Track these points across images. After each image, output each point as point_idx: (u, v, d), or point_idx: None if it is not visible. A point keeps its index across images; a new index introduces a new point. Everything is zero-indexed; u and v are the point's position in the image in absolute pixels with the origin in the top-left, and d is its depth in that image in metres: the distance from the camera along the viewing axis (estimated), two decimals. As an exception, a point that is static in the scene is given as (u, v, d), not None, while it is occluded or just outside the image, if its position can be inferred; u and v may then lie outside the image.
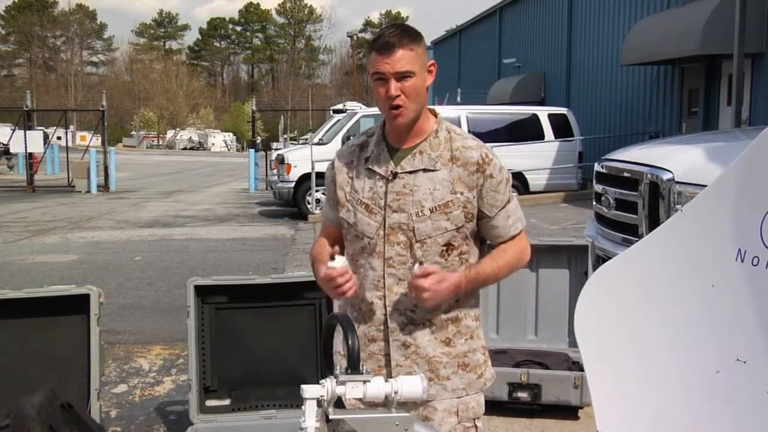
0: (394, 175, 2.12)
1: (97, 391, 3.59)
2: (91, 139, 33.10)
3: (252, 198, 19.47)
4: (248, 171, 22.29)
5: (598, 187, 5.22)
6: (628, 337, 1.80)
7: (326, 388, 1.51)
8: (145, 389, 4.97)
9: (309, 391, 1.50)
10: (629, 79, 17.33)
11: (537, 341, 4.77)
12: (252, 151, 23.49)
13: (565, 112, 15.35)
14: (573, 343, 4.48)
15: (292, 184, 14.20)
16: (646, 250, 1.85)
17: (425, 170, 2.11)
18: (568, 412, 4.35)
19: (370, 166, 2.17)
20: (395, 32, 2.05)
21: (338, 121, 15.66)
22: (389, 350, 2.15)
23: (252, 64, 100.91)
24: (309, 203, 14.01)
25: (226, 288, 3.85)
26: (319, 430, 1.49)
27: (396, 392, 1.56)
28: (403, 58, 2.03)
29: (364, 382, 1.54)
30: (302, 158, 14.00)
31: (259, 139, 31.90)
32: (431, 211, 2.09)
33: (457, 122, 13.53)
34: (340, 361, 1.84)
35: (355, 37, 50.74)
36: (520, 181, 14.31)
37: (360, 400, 1.57)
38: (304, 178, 13.93)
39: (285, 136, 31.62)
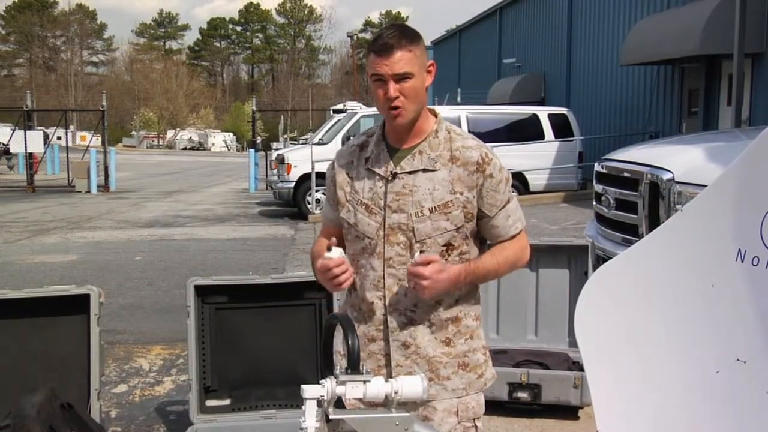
0: (394, 175, 2.12)
1: (97, 391, 3.59)
2: (91, 139, 33.10)
3: (252, 198, 19.47)
4: (248, 171, 22.29)
5: (598, 187, 5.22)
6: (628, 337, 1.80)
7: (326, 388, 1.51)
8: (145, 389, 4.97)
9: (309, 391, 1.50)
10: (629, 79, 17.33)
11: (537, 341, 4.77)
12: (252, 151, 23.49)
13: (565, 112, 15.35)
14: (573, 343, 4.48)
15: (292, 184, 14.20)
16: (646, 250, 1.85)
17: (425, 170, 2.11)
18: (568, 412, 4.35)
19: (369, 167, 2.17)
20: (393, 33, 2.04)
21: (338, 121, 15.66)
22: (389, 350, 2.15)
23: (252, 64, 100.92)
24: (309, 203, 14.01)
25: (226, 288, 3.85)
26: (319, 430, 1.49)
27: (396, 392, 1.56)
28: (401, 60, 2.02)
29: (364, 382, 1.54)
30: (302, 158, 14.00)
31: (259, 139, 31.90)
32: (431, 212, 2.09)
33: (457, 122, 13.53)
34: (340, 361, 1.84)
35: (355, 37, 50.80)
36: (520, 181, 14.31)
37: (360, 400, 1.56)
38: (304, 178, 13.93)
39: (285, 136, 31.63)
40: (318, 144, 14.63)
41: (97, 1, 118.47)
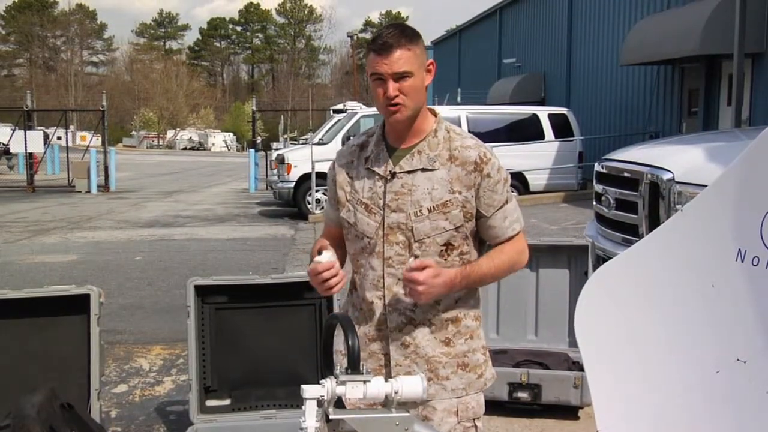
0: (393, 174, 2.12)
1: (97, 391, 3.59)
2: (91, 139, 33.10)
3: (252, 198, 19.47)
4: (248, 171, 22.29)
5: (598, 187, 5.22)
6: (628, 337, 1.80)
7: (326, 388, 1.51)
8: (145, 389, 4.97)
9: (309, 391, 1.50)
10: (629, 79, 17.33)
11: (537, 341, 4.77)
12: (252, 151, 23.49)
13: (565, 112, 15.35)
14: (573, 343, 4.48)
15: (292, 184, 14.20)
16: (646, 250, 1.85)
17: (423, 170, 2.11)
18: (568, 412, 4.35)
19: (369, 166, 2.18)
20: (393, 32, 2.04)
21: (338, 121, 15.67)
22: (389, 350, 2.15)
23: (252, 64, 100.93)
24: (309, 203, 14.01)
25: (226, 288, 3.85)
26: (319, 430, 1.49)
27: (396, 392, 1.56)
28: (401, 59, 2.02)
29: (365, 382, 1.54)
30: (302, 158, 14.00)
31: (259, 139, 31.91)
32: (429, 211, 2.09)
33: (457, 122, 13.53)
34: (341, 361, 1.84)
35: (355, 37, 50.80)
36: (520, 181, 14.31)
37: (360, 400, 1.56)
38: (304, 178, 13.93)
39: (285, 136, 31.65)
40: (318, 144, 14.63)
41: (97, 1, 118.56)
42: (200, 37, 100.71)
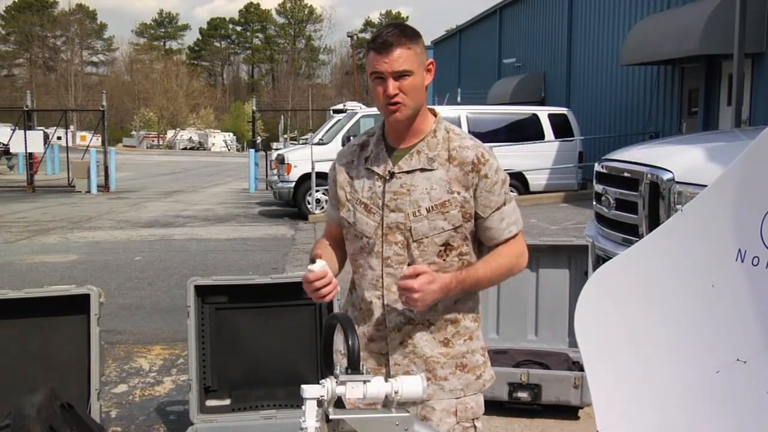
0: (392, 174, 2.12)
1: (97, 391, 3.59)
2: (91, 139, 33.12)
3: (252, 198, 19.47)
4: (248, 171, 22.29)
5: (598, 187, 5.22)
6: (628, 337, 1.80)
7: (326, 388, 1.51)
8: (145, 389, 4.97)
9: (309, 391, 1.50)
10: (629, 79, 17.33)
11: (537, 341, 4.77)
12: (252, 151, 23.49)
13: (565, 112, 15.35)
14: (573, 343, 4.48)
15: (292, 184, 14.20)
16: (646, 250, 1.85)
17: (422, 170, 2.11)
18: (568, 412, 4.35)
19: (369, 166, 2.18)
20: (393, 31, 2.05)
21: (338, 121, 15.66)
22: (388, 349, 2.15)
23: (252, 64, 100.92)
24: (309, 203, 14.01)
25: (226, 288, 3.85)
26: (319, 430, 1.49)
27: (396, 392, 1.56)
28: (401, 57, 2.02)
29: (365, 382, 1.54)
30: (302, 158, 14.00)
31: (259, 139, 31.88)
32: (428, 211, 2.09)
33: (457, 122, 13.53)
34: (341, 361, 1.84)
35: (355, 37, 50.82)
36: (520, 181, 14.31)
37: (360, 400, 1.56)
38: (304, 178, 13.93)
39: (285, 136, 31.64)
40: (318, 144, 14.63)
41: (97, 1, 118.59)
42: (200, 37, 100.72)
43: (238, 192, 21.76)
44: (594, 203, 5.32)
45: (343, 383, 1.53)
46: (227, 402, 3.80)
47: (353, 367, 1.54)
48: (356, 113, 15.53)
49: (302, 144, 19.71)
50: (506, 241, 2.14)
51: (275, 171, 15.87)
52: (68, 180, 21.75)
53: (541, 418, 4.32)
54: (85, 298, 3.61)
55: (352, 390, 1.53)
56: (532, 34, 24.60)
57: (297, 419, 1.51)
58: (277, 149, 21.08)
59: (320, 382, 1.53)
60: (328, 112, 23.50)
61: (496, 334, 4.79)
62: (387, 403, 1.57)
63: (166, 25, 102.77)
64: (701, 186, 3.33)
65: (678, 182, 4.22)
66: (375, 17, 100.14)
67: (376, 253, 2.13)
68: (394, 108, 2.06)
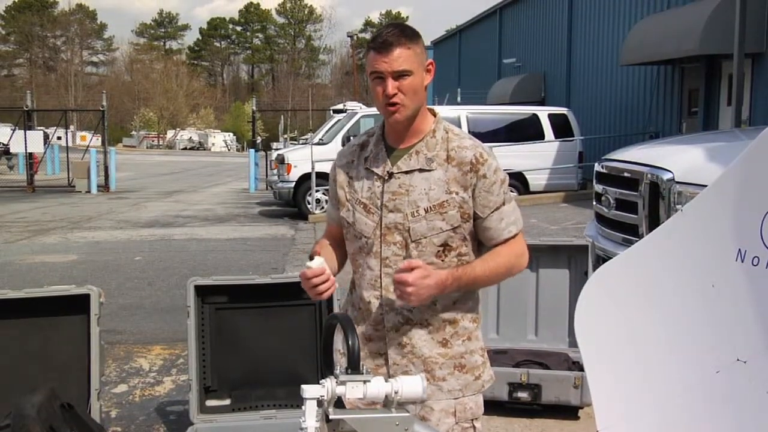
0: (390, 174, 2.12)
1: (97, 391, 3.59)
2: (91, 139, 33.11)
3: (252, 198, 19.47)
4: (248, 171, 22.29)
5: (598, 187, 5.22)
6: (628, 337, 1.80)
7: (326, 388, 1.51)
8: (145, 389, 4.97)
9: (309, 391, 1.50)
10: (629, 79, 17.33)
11: (537, 341, 4.77)
12: (252, 151, 23.49)
13: (565, 112, 15.35)
14: (573, 343, 4.48)
15: (292, 184, 14.20)
16: (646, 250, 1.85)
17: (421, 170, 2.10)
18: (568, 412, 4.35)
19: (368, 166, 2.18)
20: (393, 31, 2.05)
21: (338, 121, 15.66)
22: (387, 349, 2.15)
23: (252, 64, 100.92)
24: (309, 203, 14.01)
25: (226, 288, 3.85)
26: (319, 430, 1.49)
27: (396, 392, 1.56)
28: (400, 57, 2.02)
29: (365, 382, 1.54)
30: (302, 158, 14.00)
31: (259, 139, 31.88)
32: (426, 211, 2.08)
33: (457, 122, 13.53)
34: (341, 360, 1.84)
35: (355, 37, 50.82)
36: (520, 181, 14.31)
37: (360, 399, 1.56)
38: (304, 178, 13.93)
39: (285, 136, 31.65)
40: (318, 144, 14.63)
41: (97, 1, 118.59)
42: (200, 37, 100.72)
43: (238, 192, 21.76)
44: (594, 203, 5.33)
45: (343, 383, 1.53)
46: (227, 402, 3.80)
47: (353, 367, 1.54)
48: (356, 113, 15.53)
49: (302, 144, 19.71)
50: (506, 241, 2.14)
51: (275, 171, 15.87)
52: (68, 180, 21.75)
53: (541, 418, 4.32)
54: (85, 298, 3.61)
55: (352, 390, 1.53)
56: (532, 34, 24.60)
57: (297, 419, 1.51)
58: (277, 149, 21.08)
59: (320, 382, 1.53)
60: (328, 112, 23.51)
61: (496, 334, 4.79)
62: (387, 403, 1.57)
63: (166, 25, 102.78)
64: (701, 186, 3.33)
65: (678, 182, 4.22)
66: (375, 17, 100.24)
67: (374, 253, 2.13)
68: (393, 109, 2.05)
